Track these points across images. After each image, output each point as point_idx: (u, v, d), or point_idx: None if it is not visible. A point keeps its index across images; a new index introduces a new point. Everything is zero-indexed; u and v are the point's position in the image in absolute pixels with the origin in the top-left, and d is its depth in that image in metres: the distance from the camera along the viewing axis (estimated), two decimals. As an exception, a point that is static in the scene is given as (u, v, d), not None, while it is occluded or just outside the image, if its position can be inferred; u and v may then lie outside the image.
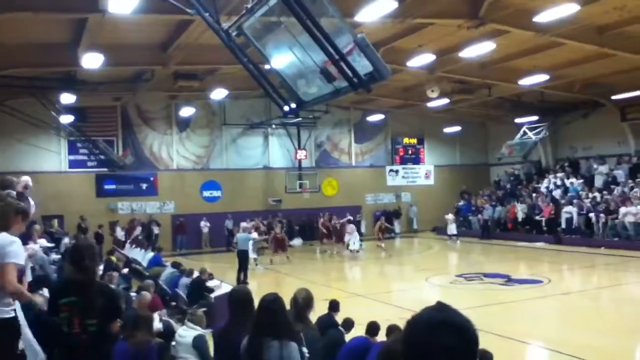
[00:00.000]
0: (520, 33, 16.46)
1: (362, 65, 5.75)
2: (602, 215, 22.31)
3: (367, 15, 13.37)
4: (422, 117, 31.96)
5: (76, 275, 4.38)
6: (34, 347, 4.67)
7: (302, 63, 6.48)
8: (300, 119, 27.28)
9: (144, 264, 16.43)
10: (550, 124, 27.61)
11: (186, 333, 6.38)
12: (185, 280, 11.90)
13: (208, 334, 6.16)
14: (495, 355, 5.35)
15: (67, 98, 21.21)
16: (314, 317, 5.92)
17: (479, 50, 17.36)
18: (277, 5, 6.04)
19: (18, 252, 4.32)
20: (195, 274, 12.09)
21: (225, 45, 7.31)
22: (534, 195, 27.25)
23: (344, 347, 6.40)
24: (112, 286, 7.82)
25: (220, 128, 28.65)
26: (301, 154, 29.24)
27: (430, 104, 26.21)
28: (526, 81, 21.46)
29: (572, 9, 13.72)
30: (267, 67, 7.70)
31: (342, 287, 16.37)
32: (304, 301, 5.19)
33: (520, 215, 26.63)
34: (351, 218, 24.56)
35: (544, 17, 14.34)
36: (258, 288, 14.67)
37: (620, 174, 24.91)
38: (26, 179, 7.54)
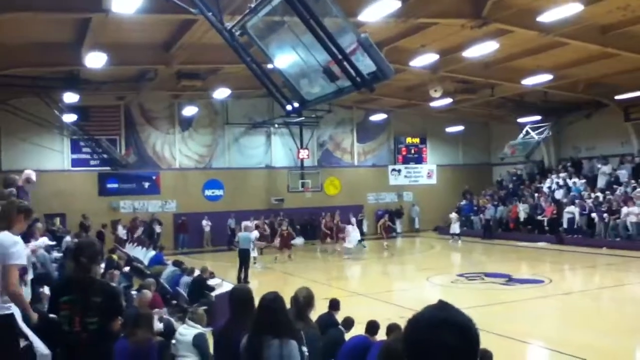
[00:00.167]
0: (524, 33, 16.44)
1: (365, 65, 5.75)
2: (605, 215, 22.28)
3: (370, 15, 13.37)
4: (424, 116, 31.93)
5: (76, 273, 4.39)
6: (37, 344, 4.69)
7: (305, 62, 6.48)
8: (302, 118, 27.27)
9: (146, 262, 16.46)
10: (553, 124, 27.57)
11: (187, 331, 6.40)
12: (186, 279, 11.91)
13: (208, 332, 6.18)
14: (496, 354, 5.35)
15: (70, 97, 21.26)
16: (314, 316, 5.92)
17: (482, 50, 17.34)
18: (280, 5, 6.04)
19: (21, 253, 4.35)
20: (197, 273, 12.10)
21: (228, 45, 7.32)
22: (536, 195, 27.23)
23: (344, 346, 6.40)
24: (113, 284, 7.83)
25: (222, 127, 28.67)
26: (303, 153, 29.26)
27: (433, 104, 26.18)
28: (529, 81, 21.42)
29: (576, 8, 13.70)
30: (270, 66, 7.71)
31: (342, 286, 16.39)
32: (304, 300, 5.19)
33: (522, 215, 26.61)
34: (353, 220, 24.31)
35: (547, 17, 14.31)
36: (259, 287, 14.68)
37: (623, 173, 24.86)
38: (28, 172, 7.55)
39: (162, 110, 27.52)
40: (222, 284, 12.25)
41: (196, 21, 13.95)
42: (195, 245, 26.33)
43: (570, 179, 26.79)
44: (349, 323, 7.33)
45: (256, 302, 4.41)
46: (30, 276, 6.58)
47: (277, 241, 21.91)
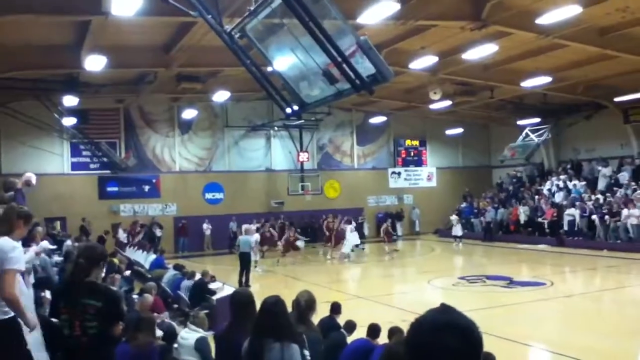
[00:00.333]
0: (523, 35, 16.45)
1: (365, 67, 5.75)
2: (607, 217, 22.27)
3: (369, 17, 13.37)
4: (424, 119, 31.97)
5: (74, 276, 4.38)
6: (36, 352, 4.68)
7: (304, 65, 6.48)
8: (302, 121, 27.28)
9: (146, 266, 16.44)
10: (552, 126, 27.58)
11: (188, 335, 6.39)
12: (187, 283, 11.88)
13: (210, 336, 6.16)
14: (497, 357, 5.33)
15: (70, 100, 21.24)
16: (315, 319, 5.91)
17: (481, 52, 17.35)
18: (279, 7, 6.04)
19: (19, 258, 4.34)
20: (198, 277, 12.08)
21: (228, 48, 7.31)
22: (536, 197, 27.22)
23: (345, 350, 6.39)
24: (114, 288, 7.82)
25: (222, 130, 28.69)
26: (303, 156, 29.26)
27: (433, 106, 26.20)
28: (529, 83, 21.43)
29: (575, 10, 13.71)
30: (269, 69, 7.71)
31: (344, 289, 16.39)
32: (306, 303, 5.19)
33: (522, 218, 26.61)
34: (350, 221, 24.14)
35: (546, 19, 14.31)
36: (260, 290, 14.68)
37: (625, 175, 24.85)
38: (29, 175, 7.53)
39: (161, 113, 27.53)
40: (223, 288, 12.23)
41: (195, 24, 13.93)
42: (196, 249, 26.31)
43: (571, 181, 26.79)
44: (350, 326, 7.32)
45: (257, 305, 4.40)
46: (31, 281, 6.56)
47: (280, 245, 22.09)
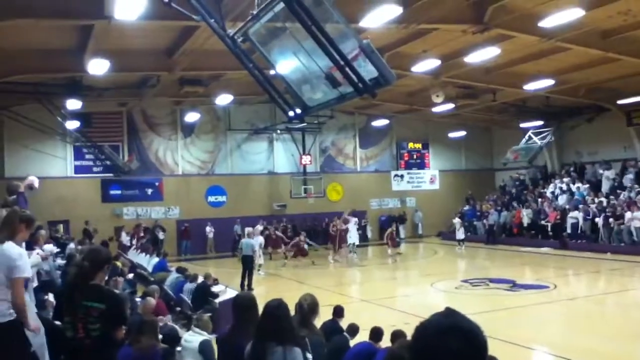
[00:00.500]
0: (525, 38, 16.46)
1: (367, 71, 5.75)
2: (611, 220, 22.23)
3: (371, 21, 13.39)
4: (426, 122, 31.98)
5: (77, 279, 4.42)
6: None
7: (307, 68, 6.49)
8: (305, 124, 27.31)
9: (149, 269, 16.45)
10: (555, 128, 27.58)
11: (192, 338, 6.40)
12: (190, 286, 11.89)
13: (214, 339, 6.17)
14: (501, 361, 5.32)
15: (73, 104, 21.29)
16: (318, 322, 5.91)
17: (483, 55, 17.36)
18: (282, 11, 6.05)
19: (25, 266, 4.45)
20: (200, 279, 12.09)
21: (230, 51, 7.33)
22: (539, 200, 27.18)
23: (348, 353, 6.38)
24: (117, 291, 7.83)
25: (225, 133, 28.74)
26: (306, 159, 29.29)
27: (435, 109, 26.20)
28: (531, 86, 21.42)
29: (577, 13, 13.71)
30: (272, 72, 7.72)
31: (346, 293, 16.38)
32: (309, 307, 5.19)
33: (525, 220, 26.56)
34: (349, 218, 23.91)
35: (548, 22, 14.32)
36: (263, 293, 14.67)
37: (630, 178, 24.78)
38: (31, 179, 7.55)
39: (164, 116, 27.59)
40: (226, 291, 12.25)
41: (198, 28, 13.98)
42: (199, 252, 26.32)
43: (574, 184, 26.75)
44: (353, 329, 7.32)
45: (260, 308, 4.40)
46: (35, 284, 6.59)
47: (283, 248, 22.38)
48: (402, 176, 32.59)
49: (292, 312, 4.75)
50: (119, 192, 26.49)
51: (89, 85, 20.29)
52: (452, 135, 32.28)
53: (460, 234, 26.06)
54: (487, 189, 32.49)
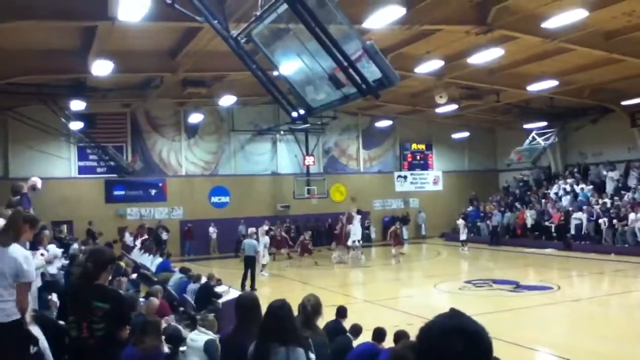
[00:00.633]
0: (529, 39, 16.44)
1: (371, 72, 5.75)
2: (614, 221, 22.16)
3: (375, 22, 13.38)
4: (430, 122, 31.97)
5: (81, 279, 4.45)
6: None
7: (310, 70, 6.50)
8: (308, 125, 27.30)
9: (153, 269, 16.46)
10: (559, 129, 27.53)
11: (198, 337, 6.44)
12: (193, 286, 11.90)
13: (219, 339, 6.19)
14: (504, 362, 5.32)
15: (77, 105, 21.37)
16: (321, 323, 5.91)
17: (487, 56, 17.34)
18: (285, 13, 6.06)
19: (32, 270, 4.52)
20: (203, 280, 12.10)
21: (234, 52, 7.34)
22: (543, 201, 27.13)
23: (351, 353, 6.39)
24: (121, 292, 7.85)
25: (228, 134, 28.76)
26: (309, 160, 29.29)
27: (439, 110, 26.19)
28: (535, 87, 21.40)
29: (581, 14, 13.68)
30: (275, 73, 7.73)
31: (350, 293, 16.38)
32: (312, 308, 5.19)
33: (529, 221, 26.51)
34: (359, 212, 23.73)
35: (552, 23, 14.30)
36: (266, 294, 14.69)
37: (634, 178, 24.69)
38: (35, 179, 7.58)
39: (168, 117, 27.64)
40: (229, 291, 12.25)
41: (202, 29, 14.01)
42: (202, 252, 26.35)
43: (578, 185, 26.69)
44: (356, 330, 7.31)
45: (263, 309, 4.41)
46: (38, 284, 6.62)
47: (286, 250, 22.55)
48: (405, 177, 32.56)
49: (296, 313, 4.75)
50: (122, 192, 26.54)
51: (92, 87, 20.36)
52: (455, 136, 32.25)
53: (463, 236, 26.04)
54: (490, 189, 32.45)
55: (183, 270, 13.49)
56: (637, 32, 16.09)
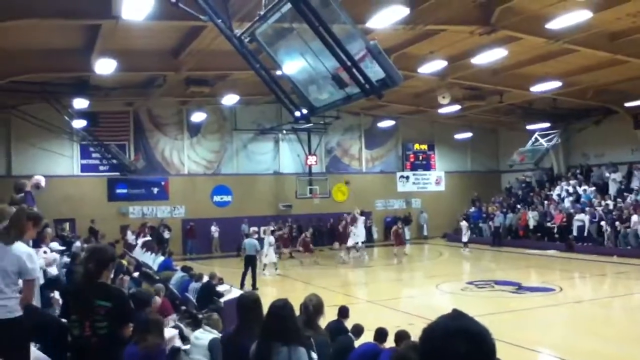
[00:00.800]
0: (532, 40, 16.41)
1: (374, 72, 5.74)
2: (617, 223, 22.12)
3: (378, 22, 13.38)
4: (432, 123, 31.95)
5: (84, 277, 4.46)
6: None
7: (313, 69, 6.48)
8: (311, 124, 27.28)
9: (155, 267, 16.47)
10: (562, 130, 27.48)
11: (203, 336, 6.45)
12: (195, 285, 11.91)
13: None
14: (506, 363, 5.32)
15: (80, 103, 21.42)
16: (323, 323, 5.91)
17: (490, 56, 17.32)
18: (289, 12, 6.05)
19: (36, 268, 4.57)
20: (205, 279, 12.11)
21: (237, 52, 7.34)
22: (545, 202, 27.09)
23: (353, 353, 6.39)
24: (124, 290, 7.85)
25: (231, 133, 28.78)
26: (312, 159, 29.29)
27: (441, 110, 26.18)
28: (538, 88, 21.36)
29: (585, 15, 13.65)
30: (278, 73, 7.73)
31: (352, 293, 16.38)
32: (314, 307, 5.18)
33: (531, 223, 26.49)
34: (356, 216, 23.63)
35: (556, 24, 14.27)
36: (268, 293, 14.69)
37: (637, 180, 24.64)
38: (38, 178, 7.61)
39: (170, 116, 27.67)
40: (231, 290, 12.25)
41: (205, 28, 14.01)
42: (204, 251, 26.37)
43: (580, 186, 26.64)
44: (358, 330, 7.31)
45: (265, 309, 4.41)
46: (41, 281, 6.63)
47: (287, 251, 22.73)
48: (407, 177, 32.54)
49: (298, 313, 4.75)
50: (125, 191, 26.58)
51: (96, 85, 20.38)
52: (458, 136, 32.21)
53: (465, 237, 26.01)
54: (493, 190, 32.42)
55: (185, 269, 13.50)
56: (642, 34, 16.07)
